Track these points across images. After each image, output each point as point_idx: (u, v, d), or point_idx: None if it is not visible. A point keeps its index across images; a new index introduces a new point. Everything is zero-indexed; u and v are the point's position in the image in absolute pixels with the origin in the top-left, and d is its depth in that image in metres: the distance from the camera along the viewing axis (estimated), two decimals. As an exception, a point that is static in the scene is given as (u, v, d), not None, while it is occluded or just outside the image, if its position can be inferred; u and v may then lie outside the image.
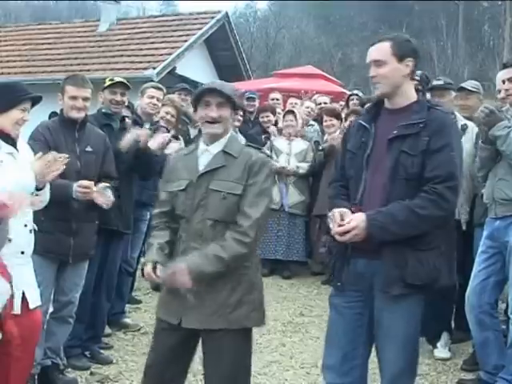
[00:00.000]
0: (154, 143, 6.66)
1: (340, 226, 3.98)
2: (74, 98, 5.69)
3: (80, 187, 5.39)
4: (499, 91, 5.92)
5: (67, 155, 4.84)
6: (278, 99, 12.25)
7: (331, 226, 4.06)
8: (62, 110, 5.83)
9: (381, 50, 4.15)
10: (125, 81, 6.71)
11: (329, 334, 4.40)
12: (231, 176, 4.08)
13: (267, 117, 10.87)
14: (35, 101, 4.83)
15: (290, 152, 10.00)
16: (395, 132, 4.06)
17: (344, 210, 4.05)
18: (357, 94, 11.61)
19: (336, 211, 4.05)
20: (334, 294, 4.37)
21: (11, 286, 4.29)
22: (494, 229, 5.74)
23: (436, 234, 4.01)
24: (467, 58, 48.71)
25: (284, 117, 10.29)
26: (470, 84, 7.37)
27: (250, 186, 4.06)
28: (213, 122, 4.12)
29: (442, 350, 6.69)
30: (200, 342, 4.23)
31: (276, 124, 10.91)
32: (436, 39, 52.09)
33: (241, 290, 4.11)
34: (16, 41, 23.72)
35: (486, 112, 5.66)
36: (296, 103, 11.53)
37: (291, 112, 10.26)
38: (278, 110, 11.46)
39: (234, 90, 4.39)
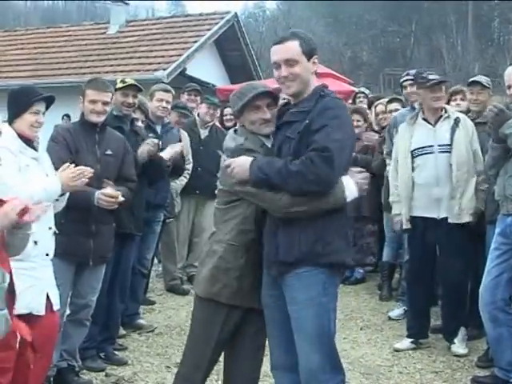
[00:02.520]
0: (167, 154, 6.75)
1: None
2: (93, 101, 5.68)
3: (104, 196, 5.43)
4: (509, 87, 5.92)
5: (92, 170, 4.90)
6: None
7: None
8: (82, 114, 5.84)
9: (291, 48, 4.13)
10: (137, 83, 6.71)
11: (268, 334, 4.43)
12: None
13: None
14: (49, 101, 4.86)
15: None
16: (284, 119, 4.18)
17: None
18: (363, 92, 11.60)
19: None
20: (262, 291, 4.35)
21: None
22: (507, 225, 5.73)
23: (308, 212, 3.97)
24: (477, 55, 48.53)
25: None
26: (483, 79, 7.37)
27: None
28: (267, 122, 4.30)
29: (459, 346, 6.68)
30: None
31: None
32: (446, 36, 51.94)
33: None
34: (26, 44, 23.83)
35: (495, 111, 5.66)
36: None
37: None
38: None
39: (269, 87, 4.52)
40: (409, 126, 6.81)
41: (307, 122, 3.99)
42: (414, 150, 6.67)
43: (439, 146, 6.57)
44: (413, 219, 6.69)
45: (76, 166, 5.25)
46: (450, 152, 6.51)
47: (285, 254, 4.03)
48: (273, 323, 4.31)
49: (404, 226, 6.73)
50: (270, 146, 4.30)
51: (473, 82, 7.22)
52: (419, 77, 6.78)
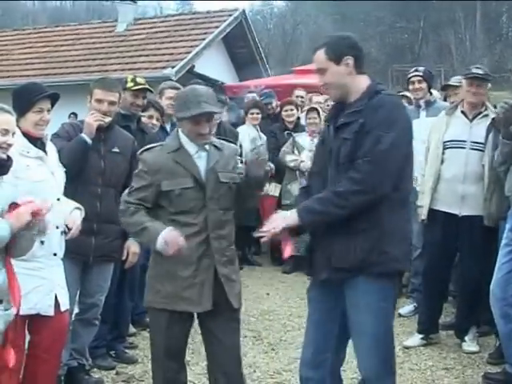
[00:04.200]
0: None
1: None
2: (100, 101, 5.66)
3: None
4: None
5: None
6: (302, 96, 12.13)
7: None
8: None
9: (318, 58, 4.23)
10: (148, 86, 6.70)
11: (306, 329, 4.51)
12: (227, 167, 4.55)
13: (291, 110, 10.75)
14: (53, 98, 4.84)
15: (313, 148, 9.95)
16: (341, 120, 4.15)
17: None
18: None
19: None
20: (310, 287, 4.46)
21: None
22: (517, 221, 5.72)
23: (362, 219, 3.98)
24: (486, 50, 48.43)
25: (307, 114, 10.24)
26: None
27: (239, 174, 4.58)
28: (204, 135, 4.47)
29: (470, 344, 6.67)
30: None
31: (298, 120, 10.82)
32: (454, 32, 51.85)
33: (238, 270, 4.78)
34: (34, 43, 23.83)
35: (506, 107, 5.64)
36: (320, 102, 11.31)
37: (314, 109, 10.22)
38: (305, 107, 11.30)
39: (213, 95, 4.67)
40: (446, 117, 6.75)
41: (362, 121, 3.99)
42: (446, 141, 6.61)
43: (472, 142, 6.51)
44: (433, 212, 6.64)
45: None
46: (482, 150, 6.45)
47: (339, 260, 4.05)
48: (316, 323, 4.39)
49: (422, 217, 6.71)
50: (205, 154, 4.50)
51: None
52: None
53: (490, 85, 6.78)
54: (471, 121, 6.59)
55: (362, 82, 4.20)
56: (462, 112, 6.66)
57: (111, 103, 5.69)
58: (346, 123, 4.09)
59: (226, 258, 4.48)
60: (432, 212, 6.63)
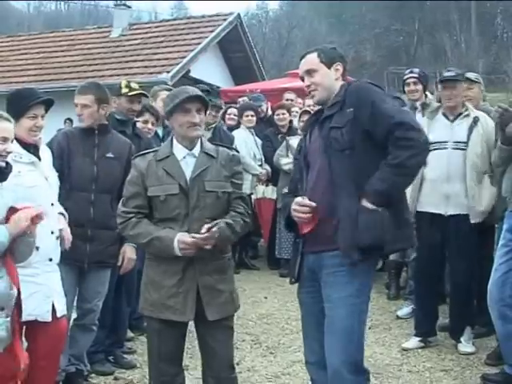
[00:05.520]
0: None
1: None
2: (75, 105, 5.67)
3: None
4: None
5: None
6: (292, 99, 12.19)
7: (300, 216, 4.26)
8: None
9: (309, 60, 4.43)
10: (143, 91, 6.69)
11: (303, 330, 4.60)
12: (219, 175, 4.48)
13: (283, 114, 10.78)
14: (47, 104, 4.83)
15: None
16: (324, 114, 4.32)
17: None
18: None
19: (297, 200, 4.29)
20: (299, 289, 4.57)
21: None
22: (515, 221, 5.72)
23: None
24: (481, 52, 48.50)
25: (300, 117, 10.24)
26: (471, 75, 7.39)
27: (236, 183, 4.57)
28: (195, 125, 4.43)
29: (466, 345, 6.66)
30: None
31: (291, 123, 10.84)
32: (449, 34, 51.96)
33: (233, 278, 4.68)
34: (30, 49, 23.90)
35: (500, 111, 5.65)
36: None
37: (307, 112, 10.21)
38: (296, 109, 11.37)
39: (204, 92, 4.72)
40: (427, 120, 6.77)
41: (351, 109, 4.15)
42: (429, 144, 6.63)
43: (454, 142, 6.53)
44: (420, 214, 6.65)
45: (70, 170, 5.43)
46: (464, 150, 6.47)
47: (368, 243, 4.05)
48: (310, 320, 4.49)
49: None
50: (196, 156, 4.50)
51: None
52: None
53: (460, 85, 6.75)
54: (452, 122, 6.63)
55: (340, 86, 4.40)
56: (444, 114, 6.71)
57: (84, 106, 5.64)
58: (330, 115, 4.26)
59: (211, 267, 4.43)
60: (419, 214, 6.64)
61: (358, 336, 4.22)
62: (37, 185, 4.64)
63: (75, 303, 5.71)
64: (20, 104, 4.71)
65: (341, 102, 4.22)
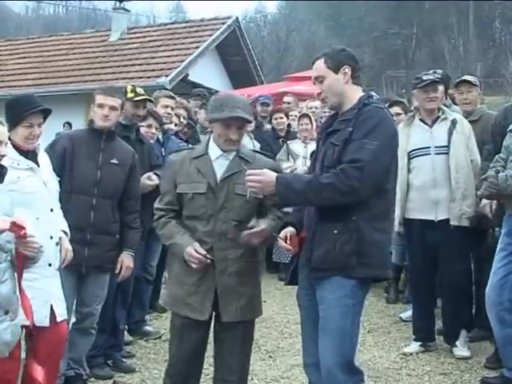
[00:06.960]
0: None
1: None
2: (101, 106, 5.63)
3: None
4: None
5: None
6: (289, 103, 12.20)
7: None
8: (91, 120, 5.81)
9: (317, 67, 4.44)
10: (149, 97, 6.72)
11: (302, 332, 4.64)
12: None
13: (281, 118, 10.79)
14: (45, 112, 4.83)
15: (307, 155, 9.94)
16: (332, 127, 4.35)
17: None
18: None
19: None
20: (298, 290, 4.64)
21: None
22: (513, 226, 5.72)
23: (343, 222, 4.13)
24: (479, 55, 48.54)
25: (299, 120, 10.25)
26: (470, 78, 7.38)
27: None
28: (232, 141, 4.47)
29: (461, 349, 6.66)
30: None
31: (289, 127, 10.85)
32: (447, 37, 51.96)
33: (257, 283, 4.70)
34: (28, 53, 23.89)
35: (492, 186, 5.65)
36: (316, 107, 11.29)
37: (306, 115, 10.23)
38: (295, 112, 11.35)
39: (249, 106, 4.77)
40: (405, 127, 6.78)
41: (351, 129, 4.17)
42: (411, 151, 6.66)
43: (436, 147, 6.55)
44: (410, 222, 6.67)
45: (72, 172, 5.43)
46: (447, 153, 6.49)
47: (319, 260, 4.20)
48: (308, 322, 4.52)
49: (396, 229, 6.63)
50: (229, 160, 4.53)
51: (460, 81, 7.24)
52: (415, 77, 6.78)
53: (441, 88, 6.72)
54: (431, 126, 6.64)
55: (356, 93, 4.38)
56: (421, 120, 6.72)
57: (112, 108, 5.64)
58: (336, 130, 4.28)
59: (232, 269, 4.44)
60: (409, 222, 6.67)
61: (350, 337, 4.25)
62: (36, 190, 4.66)
63: (74, 307, 5.71)
64: (16, 113, 4.70)
65: (349, 121, 4.21)
